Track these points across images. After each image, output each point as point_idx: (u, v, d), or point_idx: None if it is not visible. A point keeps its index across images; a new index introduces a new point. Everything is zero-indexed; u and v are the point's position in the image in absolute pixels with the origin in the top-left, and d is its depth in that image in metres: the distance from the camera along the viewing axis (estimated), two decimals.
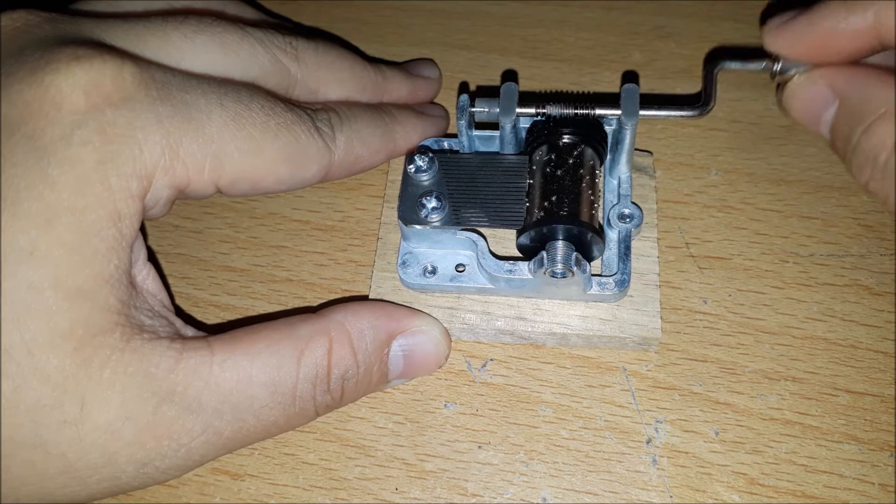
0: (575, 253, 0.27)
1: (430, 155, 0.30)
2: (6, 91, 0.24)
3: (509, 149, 0.32)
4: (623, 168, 0.31)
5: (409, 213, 0.30)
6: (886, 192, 0.26)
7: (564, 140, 0.30)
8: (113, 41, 0.26)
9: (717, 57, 0.31)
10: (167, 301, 0.27)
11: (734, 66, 0.31)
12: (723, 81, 0.37)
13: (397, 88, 0.35)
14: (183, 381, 0.24)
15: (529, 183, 0.30)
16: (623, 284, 0.29)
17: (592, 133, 0.30)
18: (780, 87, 0.30)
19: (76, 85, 0.23)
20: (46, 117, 0.23)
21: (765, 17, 0.30)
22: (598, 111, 0.30)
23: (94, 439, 0.23)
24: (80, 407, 0.23)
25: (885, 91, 0.26)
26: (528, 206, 0.29)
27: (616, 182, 0.32)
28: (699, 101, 0.31)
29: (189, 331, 0.26)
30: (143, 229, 0.27)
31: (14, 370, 0.22)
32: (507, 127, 0.31)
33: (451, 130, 0.36)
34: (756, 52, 0.30)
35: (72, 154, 0.23)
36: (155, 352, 0.24)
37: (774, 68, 0.30)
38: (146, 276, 0.26)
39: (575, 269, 0.27)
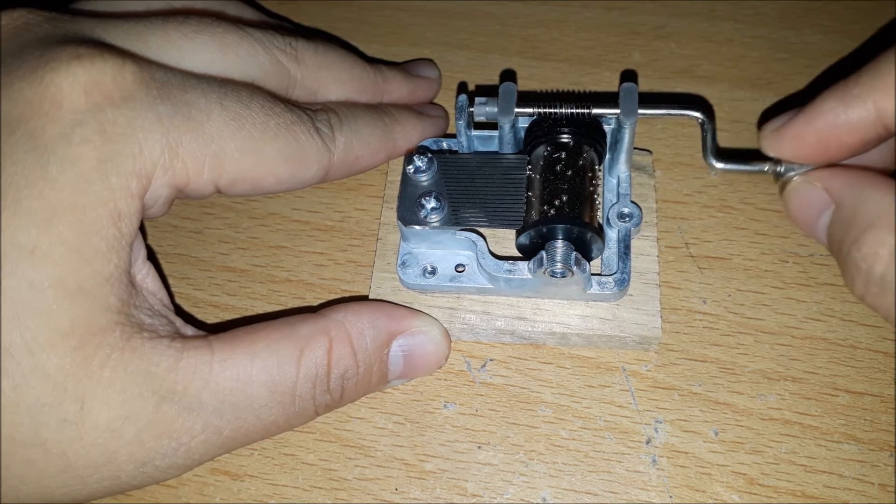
0: (574, 252, 0.27)
1: (430, 155, 0.30)
2: (7, 89, 0.24)
3: (508, 149, 0.32)
4: (622, 167, 0.31)
5: (409, 213, 0.30)
6: (887, 307, 0.24)
7: (563, 139, 0.30)
8: (113, 41, 0.27)
9: (720, 156, 0.31)
10: (167, 300, 0.27)
11: (736, 167, 0.30)
12: (723, 80, 0.37)
13: (397, 89, 0.35)
14: (183, 379, 0.24)
15: (528, 183, 0.30)
16: (623, 283, 0.29)
17: (591, 132, 0.30)
18: (783, 189, 0.30)
19: (77, 83, 0.24)
20: (47, 116, 0.23)
21: (763, 119, 0.29)
22: (597, 110, 0.30)
23: (94, 438, 0.23)
24: (80, 406, 0.23)
25: (882, 197, 0.25)
26: (527, 206, 0.29)
27: (615, 181, 0.32)
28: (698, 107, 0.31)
29: (189, 330, 0.26)
30: (142, 229, 0.27)
31: (14, 369, 0.22)
32: (506, 127, 0.31)
33: (450, 130, 0.36)
34: (757, 155, 0.29)
35: (72, 153, 0.23)
36: (155, 351, 0.24)
37: (777, 170, 0.29)
38: (146, 275, 0.26)
39: (575, 268, 0.27)
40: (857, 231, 0.25)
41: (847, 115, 0.26)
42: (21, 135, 0.23)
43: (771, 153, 0.29)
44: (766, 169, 0.29)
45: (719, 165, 0.30)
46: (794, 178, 0.29)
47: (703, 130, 0.30)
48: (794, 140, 0.27)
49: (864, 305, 0.26)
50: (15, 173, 0.23)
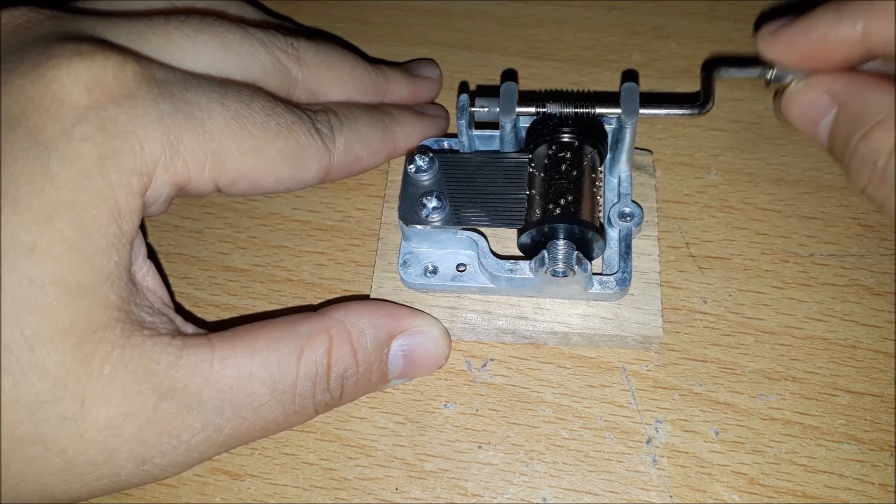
0: (576, 252, 0.27)
1: (431, 155, 0.30)
2: (8, 86, 0.24)
3: (509, 148, 0.32)
4: (623, 167, 0.31)
5: (410, 212, 0.30)
6: (884, 196, 0.26)
7: (564, 139, 0.30)
8: (115, 39, 0.27)
9: (713, 63, 0.32)
10: (167, 298, 0.27)
11: (730, 73, 0.32)
12: (723, 81, 0.37)
13: (398, 89, 0.35)
14: (183, 377, 0.24)
15: (530, 182, 0.30)
16: (624, 283, 0.29)
17: (592, 132, 0.30)
18: (778, 93, 0.31)
19: (78, 81, 0.24)
20: (48, 113, 0.23)
21: (760, 24, 0.30)
22: (598, 110, 0.30)
23: (94, 435, 0.23)
24: (80, 403, 0.23)
25: (884, 97, 0.27)
26: (528, 206, 0.29)
27: (616, 181, 0.32)
28: (699, 100, 0.31)
29: (189, 328, 0.26)
30: (142, 227, 0.27)
31: (14, 366, 0.22)
32: (507, 126, 0.31)
33: (451, 130, 0.36)
34: (751, 60, 0.31)
35: (73, 150, 0.23)
36: (155, 348, 0.24)
37: (769, 75, 0.30)
38: (146, 273, 0.26)
39: (576, 267, 0.27)
40: (866, 127, 0.26)
41: (836, 31, 0.27)
42: (22, 131, 0.23)
43: (766, 55, 0.30)
44: (758, 73, 0.31)
45: (724, 73, 0.32)
46: (795, 83, 0.30)
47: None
48: (788, 45, 0.29)
49: (864, 197, 0.28)
50: (15, 170, 0.23)
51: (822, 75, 0.29)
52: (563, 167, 0.29)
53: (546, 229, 0.28)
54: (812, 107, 0.29)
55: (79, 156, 0.23)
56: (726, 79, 0.32)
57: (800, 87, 0.30)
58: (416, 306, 0.30)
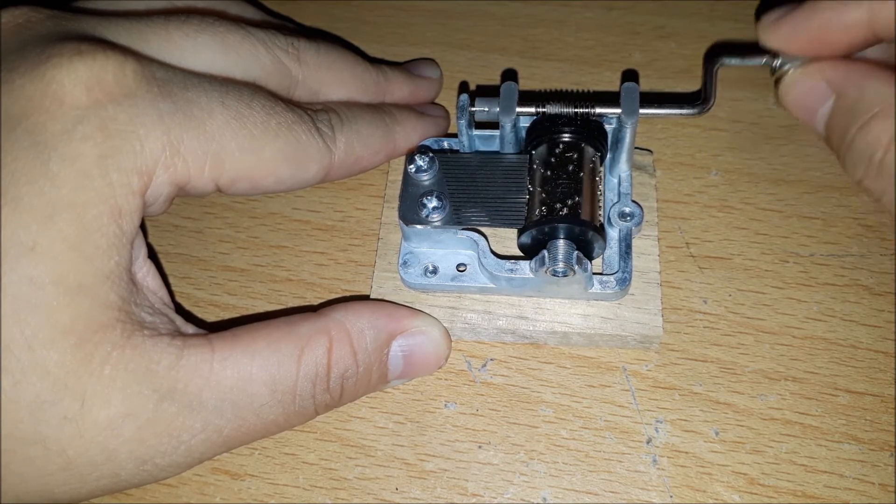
0: (576, 252, 0.27)
1: (431, 155, 0.30)
2: (8, 85, 0.24)
3: (509, 148, 0.32)
4: (623, 166, 0.31)
5: (410, 212, 0.30)
6: (881, 189, 0.26)
7: (564, 139, 0.30)
8: (115, 39, 0.27)
9: (716, 53, 0.32)
10: (167, 298, 0.27)
11: (733, 62, 0.31)
12: (723, 80, 0.37)
13: (399, 89, 0.35)
14: (184, 378, 0.24)
15: (530, 182, 0.30)
16: (624, 283, 0.29)
17: (592, 131, 0.30)
18: (778, 80, 0.31)
19: (78, 80, 0.23)
20: (48, 112, 0.23)
21: (760, 13, 0.30)
22: (598, 110, 0.30)
23: (95, 436, 0.23)
24: (80, 403, 0.23)
25: (883, 88, 0.26)
26: (528, 205, 0.29)
27: (616, 180, 0.32)
28: (699, 100, 0.31)
29: (189, 328, 0.26)
30: (142, 227, 0.27)
31: (14, 366, 0.22)
32: (508, 126, 0.31)
33: (451, 130, 0.36)
34: (755, 48, 0.30)
35: (73, 149, 0.23)
36: (156, 348, 0.24)
37: (774, 63, 0.30)
38: (146, 273, 0.26)
39: (576, 267, 0.27)
40: (863, 118, 0.26)
41: (841, 16, 0.27)
42: (22, 131, 0.23)
43: (768, 44, 0.30)
44: (763, 62, 0.30)
45: (727, 62, 0.31)
46: (793, 70, 0.30)
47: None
48: (791, 33, 0.29)
49: (860, 189, 0.27)
50: (15, 170, 0.23)
51: (820, 62, 0.29)
52: (564, 167, 0.29)
53: (546, 229, 0.28)
54: (810, 95, 0.29)
55: (79, 155, 0.23)
56: (730, 70, 0.32)
57: (797, 75, 0.29)
58: (417, 306, 0.30)
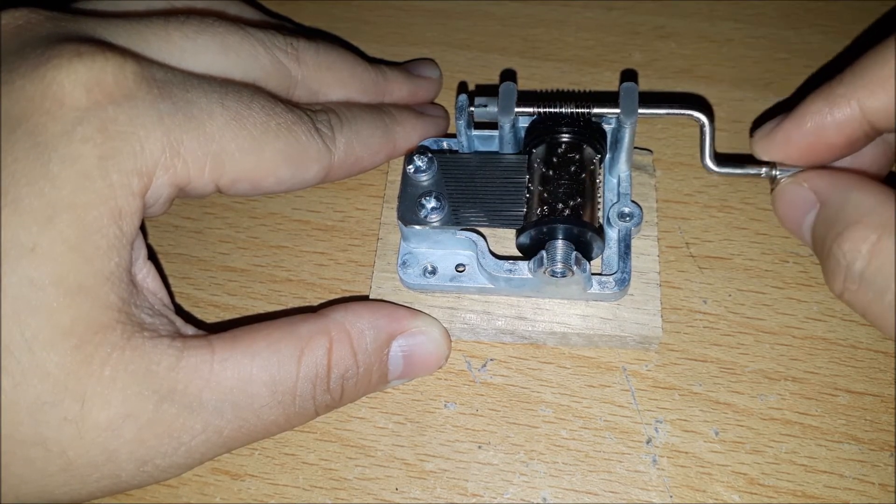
0: (575, 252, 0.27)
1: (430, 155, 0.30)
2: (8, 87, 0.24)
3: (508, 148, 0.32)
4: (623, 166, 0.31)
5: (409, 213, 0.30)
6: (864, 304, 0.24)
7: (563, 139, 0.30)
8: (115, 40, 0.27)
9: (718, 160, 0.30)
10: (167, 299, 0.27)
11: (733, 171, 0.30)
12: (723, 80, 0.37)
13: (398, 89, 0.35)
14: (184, 379, 0.24)
15: (529, 182, 0.30)
16: (623, 283, 0.29)
17: (591, 131, 0.30)
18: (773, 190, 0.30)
19: (78, 81, 0.24)
20: (48, 113, 0.23)
21: (759, 123, 0.30)
22: (597, 110, 0.30)
23: (95, 437, 0.23)
24: (80, 404, 0.23)
25: (867, 197, 0.25)
26: (527, 206, 0.29)
27: (616, 181, 0.32)
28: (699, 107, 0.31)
29: (189, 329, 0.26)
30: (142, 228, 0.27)
31: (14, 367, 0.22)
32: (506, 126, 0.31)
33: (450, 130, 0.36)
34: (753, 158, 0.29)
35: (73, 150, 0.23)
36: (156, 350, 0.24)
37: (773, 174, 0.29)
38: (146, 275, 0.26)
39: (575, 268, 0.27)
40: (840, 228, 0.25)
41: (833, 116, 0.26)
42: (22, 132, 0.23)
43: (763, 157, 0.29)
44: (762, 173, 0.29)
45: (716, 169, 0.30)
46: (783, 180, 0.29)
47: (702, 133, 0.30)
48: (784, 143, 0.28)
49: (843, 303, 0.26)
50: (16, 171, 0.23)
51: (809, 171, 0.28)
52: (563, 167, 0.29)
53: (545, 229, 0.28)
54: (796, 203, 0.28)
55: (79, 156, 0.23)
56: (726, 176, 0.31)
57: (785, 184, 0.28)
58: (416, 307, 0.30)
